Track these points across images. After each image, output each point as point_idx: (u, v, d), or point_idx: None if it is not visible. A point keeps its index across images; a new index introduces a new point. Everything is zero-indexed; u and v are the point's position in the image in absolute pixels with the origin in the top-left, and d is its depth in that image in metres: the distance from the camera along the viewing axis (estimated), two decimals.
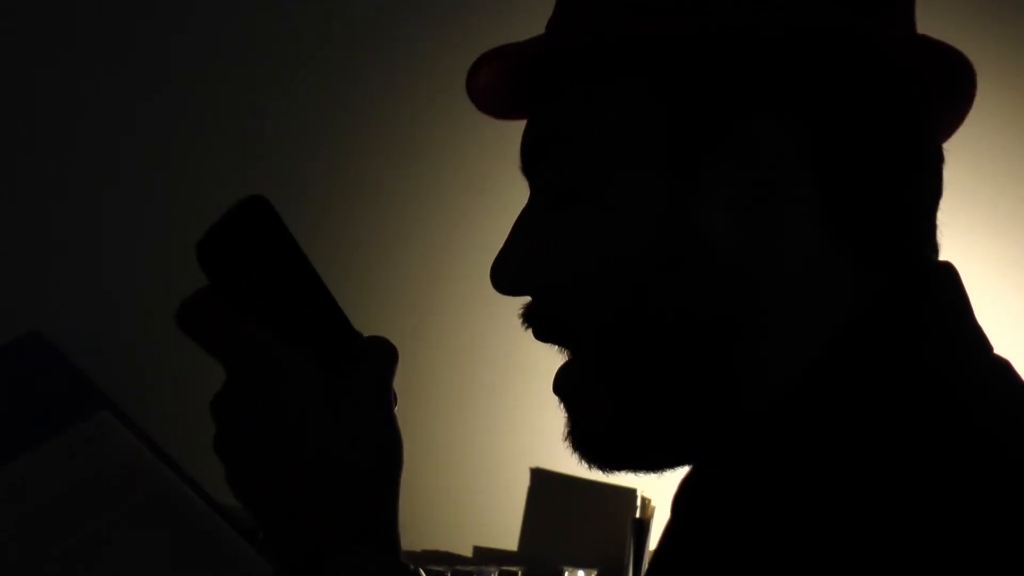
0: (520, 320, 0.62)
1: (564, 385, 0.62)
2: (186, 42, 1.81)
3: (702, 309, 0.56)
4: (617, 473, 0.62)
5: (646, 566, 1.81)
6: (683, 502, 0.60)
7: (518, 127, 0.65)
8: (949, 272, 0.60)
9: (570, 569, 1.82)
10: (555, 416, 0.63)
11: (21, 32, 1.70)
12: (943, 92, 0.61)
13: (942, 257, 0.61)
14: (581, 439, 0.61)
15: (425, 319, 1.91)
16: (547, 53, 0.61)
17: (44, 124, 1.70)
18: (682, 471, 0.62)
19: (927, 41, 0.60)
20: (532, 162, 0.64)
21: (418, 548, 1.82)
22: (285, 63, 1.87)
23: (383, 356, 0.59)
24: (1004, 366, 0.57)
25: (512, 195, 0.66)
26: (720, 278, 0.56)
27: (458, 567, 1.75)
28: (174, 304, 0.57)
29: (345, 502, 0.55)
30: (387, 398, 0.58)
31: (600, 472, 0.62)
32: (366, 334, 0.60)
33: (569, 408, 0.62)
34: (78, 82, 1.73)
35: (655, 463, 0.61)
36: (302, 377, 0.55)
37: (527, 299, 0.63)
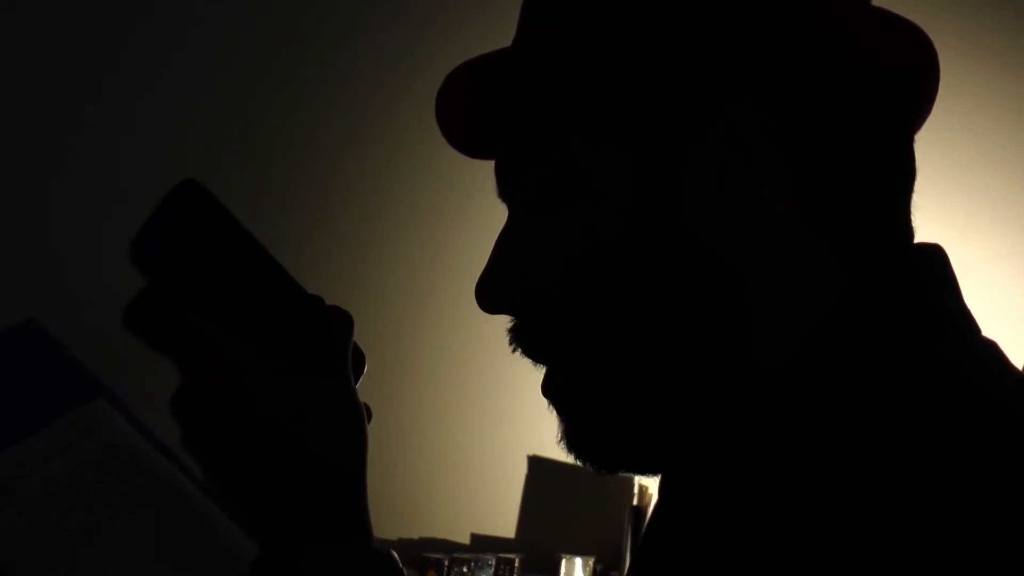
0: (508, 340, 0.61)
1: (552, 386, 0.61)
2: (186, 42, 1.82)
3: (687, 297, 0.56)
4: (614, 474, 0.61)
5: None
6: (670, 485, 0.60)
7: None
8: (937, 255, 0.58)
9: (567, 556, 1.83)
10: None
11: (22, 30, 1.71)
12: (908, 73, 0.61)
13: (937, 242, 0.60)
14: (575, 440, 0.60)
15: (423, 310, 1.92)
16: (516, 59, 0.61)
17: (44, 119, 1.71)
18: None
19: (885, 16, 0.59)
20: (507, 181, 0.62)
21: (416, 535, 1.83)
22: (282, 64, 1.88)
23: (338, 328, 0.58)
24: (991, 348, 0.56)
25: None
26: (703, 264, 0.56)
27: (456, 554, 1.76)
28: None
29: (313, 483, 0.55)
30: (345, 371, 0.57)
31: (596, 473, 0.61)
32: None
33: (560, 410, 0.61)
34: (80, 77, 1.74)
35: (651, 462, 0.60)
36: (254, 365, 0.55)
37: (512, 319, 0.62)
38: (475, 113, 0.64)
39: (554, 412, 0.61)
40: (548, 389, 0.61)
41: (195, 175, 0.54)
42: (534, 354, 0.61)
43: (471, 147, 0.67)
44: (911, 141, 0.61)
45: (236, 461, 0.55)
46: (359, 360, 0.59)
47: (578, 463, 0.61)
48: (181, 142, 1.77)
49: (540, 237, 0.59)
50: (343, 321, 0.58)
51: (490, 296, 0.61)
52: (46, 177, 1.70)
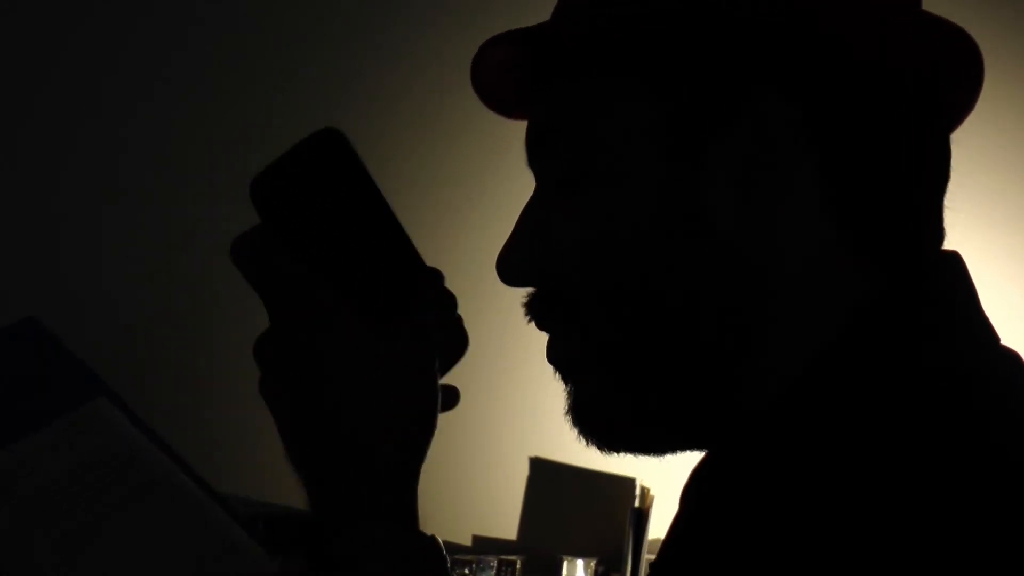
0: (524, 311, 0.62)
1: (558, 353, 0.61)
2: (186, 42, 1.83)
3: (704, 289, 0.56)
4: (616, 453, 0.61)
5: (649, 556, 1.81)
6: (693, 494, 0.59)
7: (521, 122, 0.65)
8: (954, 262, 0.59)
9: (569, 558, 1.83)
10: (554, 406, 0.62)
11: (22, 30, 1.71)
12: (948, 77, 0.60)
13: (945, 246, 0.60)
14: (581, 415, 0.60)
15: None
16: (551, 39, 0.61)
17: (44, 119, 1.72)
18: (682, 459, 0.61)
19: (930, 20, 0.59)
20: (536, 153, 0.63)
21: None
22: (282, 64, 1.88)
23: (436, 305, 0.58)
24: (1012, 358, 0.55)
25: (515, 186, 0.66)
26: (722, 258, 0.56)
27: (457, 556, 1.76)
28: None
29: (361, 452, 0.55)
30: (428, 349, 0.57)
31: (599, 450, 0.61)
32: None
33: (568, 380, 0.61)
34: (80, 77, 1.74)
35: (654, 444, 0.60)
36: (342, 327, 0.55)
37: (529, 290, 0.62)
38: (510, 80, 0.64)
39: (559, 379, 0.61)
40: (552, 355, 0.61)
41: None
42: (548, 326, 0.61)
43: (505, 108, 0.67)
44: (946, 140, 0.61)
45: (296, 414, 0.55)
46: (461, 342, 0.59)
47: (581, 441, 0.61)
48: (181, 142, 1.77)
49: (562, 220, 0.60)
50: (444, 300, 0.58)
51: (512, 270, 0.62)
52: (46, 177, 1.70)
